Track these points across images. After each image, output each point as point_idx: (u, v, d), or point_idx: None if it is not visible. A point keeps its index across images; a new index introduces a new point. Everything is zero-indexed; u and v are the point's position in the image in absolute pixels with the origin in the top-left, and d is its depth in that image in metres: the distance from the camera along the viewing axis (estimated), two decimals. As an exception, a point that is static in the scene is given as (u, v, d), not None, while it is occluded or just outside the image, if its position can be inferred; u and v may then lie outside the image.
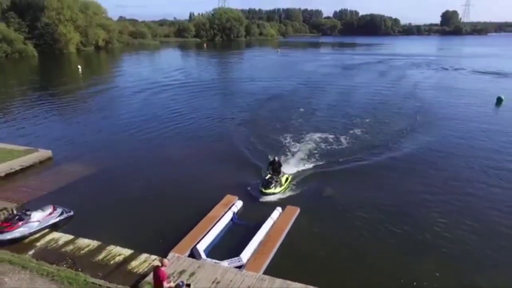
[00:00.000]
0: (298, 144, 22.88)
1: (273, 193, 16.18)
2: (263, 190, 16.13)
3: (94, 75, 57.50)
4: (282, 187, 16.65)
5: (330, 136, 24.26)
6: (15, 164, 19.18)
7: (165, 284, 8.94)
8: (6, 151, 20.70)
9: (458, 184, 17.74)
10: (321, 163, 20.07)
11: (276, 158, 17.66)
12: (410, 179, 18.34)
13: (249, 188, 17.03)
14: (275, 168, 17.18)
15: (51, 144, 22.75)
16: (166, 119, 29.70)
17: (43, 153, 20.81)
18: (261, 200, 16.02)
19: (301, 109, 31.52)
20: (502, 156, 21.45)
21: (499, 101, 35.58)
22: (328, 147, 22.47)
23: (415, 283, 11.23)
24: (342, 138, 23.93)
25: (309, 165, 19.77)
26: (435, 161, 20.57)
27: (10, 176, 18.62)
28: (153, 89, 41.49)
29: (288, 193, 16.81)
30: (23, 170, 19.28)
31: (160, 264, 9.07)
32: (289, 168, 19.10)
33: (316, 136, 24.23)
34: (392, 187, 17.40)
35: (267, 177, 16.90)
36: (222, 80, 48.54)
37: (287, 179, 17.36)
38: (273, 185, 16.34)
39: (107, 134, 26.32)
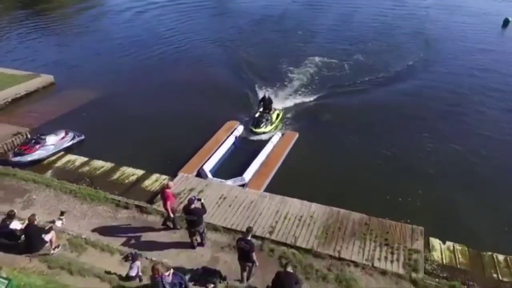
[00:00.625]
0: (296, 70, 22.82)
1: (263, 132, 15.92)
2: (253, 129, 15.94)
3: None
4: (273, 125, 16.40)
5: (330, 61, 24.02)
6: (20, 89, 19.50)
7: (169, 203, 9.90)
8: (8, 76, 20.84)
9: (454, 109, 18.22)
10: (319, 89, 20.38)
11: (267, 95, 17.12)
12: (407, 103, 18.74)
13: (247, 119, 17.64)
14: (266, 105, 16.69)
15: (49, 69, 22.72)
16: (161, 40, 28.83)
17: (45, 78, 20.98)
18: (251, 138, 15.90)
19: (299, 32, 30.67)
20: (503, 79, 21.54)
21: (506, 22, 34.47)
22: (328, 73, 22.47)
23: (400, 199, 12.55)
24: (343, 64, 23.70)
25: (307, 91, 20.14)
26: (433, 86, 20.68)
27: (16, 101, 19.10)
28: (142, 7, 39.41)
29: (286, 120, 17.46)
30: (28, 95, 19.69)
31: (166, 186, 10.06)
32: (287, 95, 19.57)
33: (315, 61, 23.97)
34: (389, 112, 17.94)
35: (257, 115, 16.53)
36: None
37: (278, 115, 17.03)
38: (263, 123, 16.03)
39: (105, 57, 25.95)
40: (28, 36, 30.54)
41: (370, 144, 15.50)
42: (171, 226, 10.51)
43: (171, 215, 10.10)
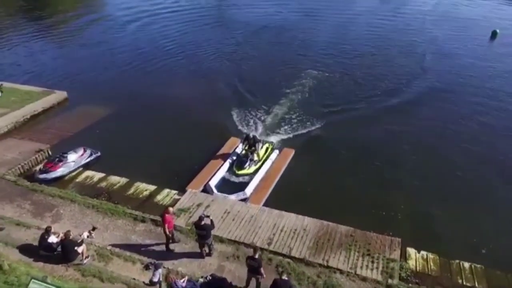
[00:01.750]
0: (292, 85, 24.18)
1: (246, 174, 15.71)
2: (236, 172, 15.74)
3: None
4: (258, 164, 16.09)
5: (326, 77, 25.61)
6: (37, 106, 21.04)
7: (166, 225, 11.17)
8: (24, 92, 22.36)
9: (438, 124, 19.90)
10: (314, 105, 21.99)
11: (251, 134, 17.15)
12: (394, 120, 20.34)
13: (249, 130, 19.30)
14: (251, 144, 16.55)
15: (58, 82, 24.57)
16: (162, 53, 30.41)
17: (59, 95, 22.52)
18: (234, 180, 15.68)
19: (296, 44, 32.19)
20: (487, 93, 23.18)
21: (494, 34, 36.06)
22: (323, 90, 23.96)
23: (384, 213, 14.20)
24: (336, 80, 25.33)
25: (303, 107, 21.66)
26: (420, 103, 22.29)
27: (34, 117, 20.62)
28: (144, 18, 40.28)
29: (285, 135, 19.12)
30: (45, 111, 21.22)
31: (166, 211, 11.37)
32: (283, 111, 21.13)
33: (312, 76, 25.51)
34: (378, 128, 19.56)
35: (241, 154, 16.48)
36: (213, 7, 46.96)
37: (267, 149, 17.05)
38: (247, 164, 15.85)
39: (111, 71, 27.42)
40: (37, 49, 32.04)
41: (359, 160, 17.14)
42: (176, 240, 11.88)
43: (168, 234, 11.39)
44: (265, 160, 16.51)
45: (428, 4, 46.64)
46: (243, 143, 17.02)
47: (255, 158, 16.17)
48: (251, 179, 15.39)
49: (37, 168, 16.02)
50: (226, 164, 16.48)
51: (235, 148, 17.52)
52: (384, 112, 21.29)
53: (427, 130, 19.56)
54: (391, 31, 35.87)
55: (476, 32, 36.50)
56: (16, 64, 29.00)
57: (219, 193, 14.60)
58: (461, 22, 39.61)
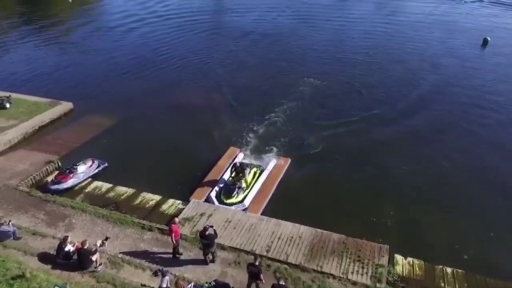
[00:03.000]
0: (287, 93, 25.13)
1: (233, 203, 15.49)
2: (224, 200, 15.56)
3: (83, 5, 55.34)
4: (246, 191, 15.94)
5: (321, 85, 26.63)
6: (45, 117, 21.93)
7: (173, 235, 12.13)
8: (32, 104, 23.23)
9: (426, 134, 20.97)
10: (309, 114, 23.00)
11: (238, 162, 17.09)
12: (385, 130, 21.37)
13: (248, 140, 20.38)
14: (238, 172, 16.49)
15: (62, 92, 25.34)
16: (161, 61, 31.37)
17: (65, 106, 23.41)
18: (221, 209, 15.26)
19: (291, 50, 33.27)
20: (476, 104, 24.22)
21: (485, 42, 37.16)
22: (317, 99, 25.03)
23: (374, 219, 15.25)
24: (332, 88, 26.41)
25: (298, 117, 22.65)
26: (410, 110, 23.47)
27: (42, 128, 21.51)
28: (140, 24, 41.02)
29: (280, 144, 20.04)
30: (52, 122, 22.11)
31: (173, 221, 12.37)
32: (279, 121, 22.10)
33: (307, 84, 26.53)
34: (370, 138, 20.56)
35: (229, 181, 16.36)
36: (210, 14, 47.71)
37: (255, 173, 16.98)
38: (235, 192, 15.65)
39: (114, 79, 28.31)
40: (32, 54, 33.11)
41: (352, 169, 18.16)
42: (180, 252, 12.89)
43: (175, 243, 12.40)
44: (253, 186, 16.36)
45: (423, 11, 47.68)
46: (230, 171, 16.97)
47: (243, 185, 15.99)
48: (242, 201, 15.65)
49: (49, 179, 16.93)
50: (226, 175, 17.31)
51: (234, 158, 18.47)
52: (375, 122, 22.31)
53: (415, 140, 20.58)
54: (386, 39, 36.79)
55: (469, 39, 37.35)
56: (17, 72, 29.71)
57: (220, 205, 15.52)
58: (455, 30, 40.47)
